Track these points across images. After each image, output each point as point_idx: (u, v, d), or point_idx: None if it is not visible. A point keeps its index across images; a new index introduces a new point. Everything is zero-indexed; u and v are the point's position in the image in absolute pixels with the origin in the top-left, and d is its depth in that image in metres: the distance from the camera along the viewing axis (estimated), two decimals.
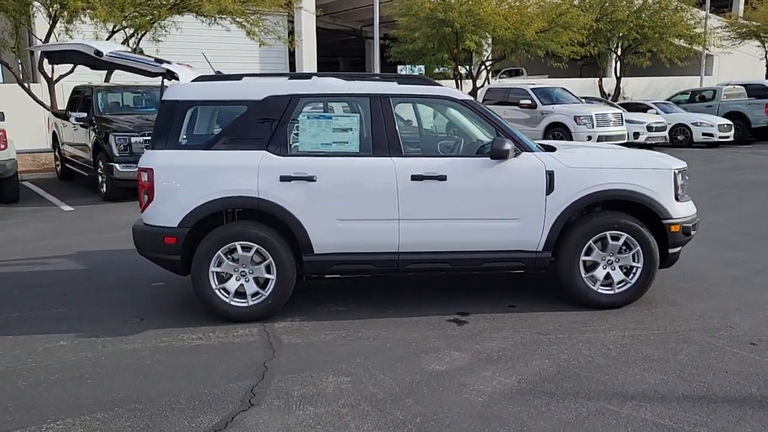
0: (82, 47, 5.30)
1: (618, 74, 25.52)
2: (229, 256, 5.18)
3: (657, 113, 20.23)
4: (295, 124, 5.26)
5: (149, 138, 11.06)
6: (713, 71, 31.48)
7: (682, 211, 5.42)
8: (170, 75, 5.40)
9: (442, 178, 5.17)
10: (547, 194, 5.23)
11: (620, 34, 23.09)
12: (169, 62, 5.52)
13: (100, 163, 11.51)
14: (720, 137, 19.36)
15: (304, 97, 5.27)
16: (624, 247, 5.35)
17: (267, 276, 5.21)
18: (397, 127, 5.26)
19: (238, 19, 16.05)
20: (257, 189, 5.09)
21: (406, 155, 5.25)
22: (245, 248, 5.16)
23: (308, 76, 5.58)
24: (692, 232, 5.46)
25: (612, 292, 5.40)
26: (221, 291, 5.21)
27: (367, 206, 5.19)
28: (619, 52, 25.14)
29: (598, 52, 24.08)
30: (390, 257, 5.27)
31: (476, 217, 5.25)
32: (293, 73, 6.06)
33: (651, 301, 5.48)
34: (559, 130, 16.40)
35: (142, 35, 15.36)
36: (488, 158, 5.24)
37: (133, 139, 11.06)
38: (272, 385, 4.15)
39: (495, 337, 4.87)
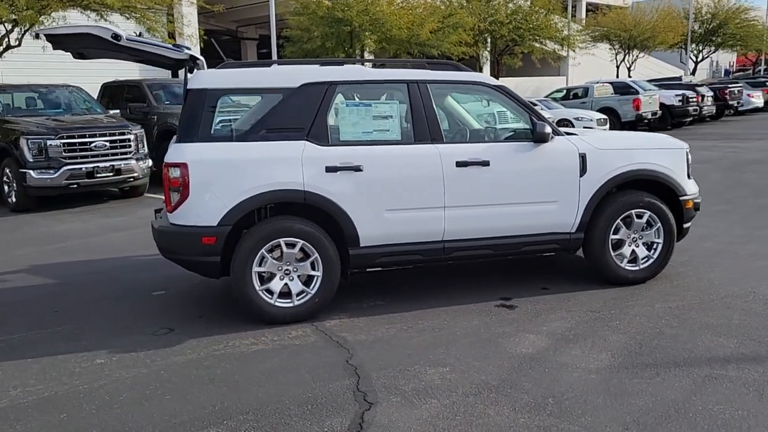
0: (97, 30, 4.70)
1: (497, 74, 26.70)
2: (271, 254, 4.86)
3: (542, 109, 21.37)
4: (335, 112, 5.03)
5: (69, 141, 10.31)
6: (568, 72, 33.85)
7: (693, 187, 5.77)
8: (194, 61, 4.95)
9: (486, 163, 5.16)
10: (581, 176, 5.37)
11: (498, 36, 24.15)
12: (188, 48, 5.07)
13: (7, 171, 10.37)
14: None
15: (342, 84, 5.05)
16: (646, 225, 5.60)
17: (312, 273, 4.94)
18: (437, 114, 5.18)
19: (135, 14, 15.07)
20: (303, 181, 4.81)
21: (447, 142, 5.18)
22: (289, 245, 4.87)
23: (340, 62, 5.35)
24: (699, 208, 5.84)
25: (637, 268, 5.64)
26: (264, 292, 4.87)
27: (414, 195, 5.06)
28: (496, 53, 26.31)
29: (480, 52, 25.05)
30: (436, 246, 5.18)
31: (517, 201, 5.29)
32: (323, 60, 5.77)
33: (668, 276, 5.78)
34: None
35: (26, 30, 14.00)
36: (526, 143, 5.30)
37: (49, 143, 10.07)
38: (375, 382, 3.95)
39: (554, 318, 4.92)
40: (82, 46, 5.11)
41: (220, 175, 4.76)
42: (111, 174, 10.57)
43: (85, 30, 4.80)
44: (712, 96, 25.52)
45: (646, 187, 5.61)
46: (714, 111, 25.72)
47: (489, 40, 24.34)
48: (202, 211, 4.75)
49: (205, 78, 4.91)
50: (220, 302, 5.54)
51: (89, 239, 8.18)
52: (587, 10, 41.74)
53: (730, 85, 28.00)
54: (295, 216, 4.93)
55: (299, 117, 4.93)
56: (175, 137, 5.86)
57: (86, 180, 10.36)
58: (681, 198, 5.65)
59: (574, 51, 27.86)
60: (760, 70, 43.05)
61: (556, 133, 5.37)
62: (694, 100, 23.97)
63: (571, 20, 30.86)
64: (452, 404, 3.65)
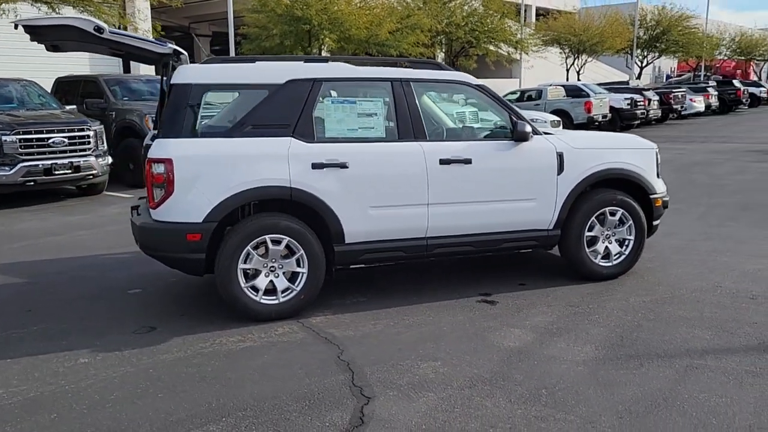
0: (80, 22, 4.57)
1: None
2: (257, 251, 4.84)
3: None
4: (320, 109, 5.04)
5: (25, 137, 9.99)
6: (521, 74, 34.47)
7: (661, 186, 5.98)
8: (177, 56, 4.88)
9: (468, 161, 5.24)
10: (558, 174, 5.50)
11: (455, 38, 24.42)
12: (171, 42, 5.00)
13: None
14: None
15: (326, 81, 5.06)
16: (619, 222, 5.78)
17: (298, 270, 4.94)
18: (420, 112, 5.24)
19: (89, 7, 14.71)
20: (289, 178, 4.81)
21: (430, 140, 5.24)
22: (275, 242, 4.86)
23: (324, 59, 5.35)
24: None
25: (610, 264, 5.81)
26: (249, 289, 4.85)
27: (398, 192, 5.11)
28: (452, 55, 26.59)
29: (435, 53, 25.26)
30: (419, 243, 5.24)
31: (497, 199, 5.39)
32: (307, 57, 5.74)
33: (638, 271, 5.97)
34: None
35: None
36: (506, 141, 5.41)
37: (4, 138, 9.75)
38: (369, 377, 3.98)
39: (536, 313, 5.04)
40: (62, 38, 4.98)
41: (206, 172, 4.71)
42: (69, 171, 10.29)
43: (68, 22, 4.67)
44: (657, 100, 26.35)
45: (618, 186, 5.78)
46: (659, 114, 26.57)
47: (444, 41, 24.55)
48: (187, 208, 4.69)
49: (190, 73, 4.85)
50: (201, 300, 5.48)
51: (52, 238, 7.96)
52: (537, 15, 42.54)
53: (674, 90, 28.93)
54: (279, 213, 4.92)
55: (285, 113, 4.92)
56: (151, 134, 5.82)
57: (44, 177, 10.06)
58: (651, 196, 5.85)
59: (527, 54, 28.36)
60: (700, 76, 44.60)
61: (535, 132, 5.50)
62: (642, 103, 24.73)
63: (523, 24, 31.44)
64: (449, 397, 3.71)
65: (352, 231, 5.00)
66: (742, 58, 50.03)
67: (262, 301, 4.89)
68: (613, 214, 5.73)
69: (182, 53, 4.89)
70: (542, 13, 39.33)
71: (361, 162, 4.98)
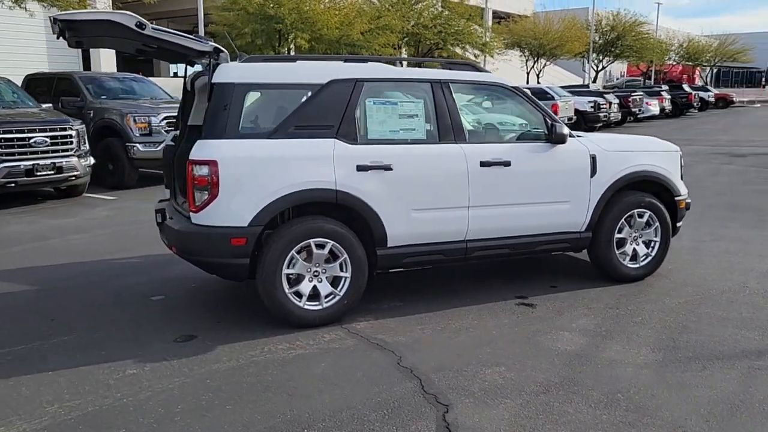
0: (121, 17, 4.33)
1: None
2: (300, 256, 4.71)
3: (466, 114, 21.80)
4: (362, 110, 4.93)
5: (5, 136, 9.52)
6: None
7: (684, 188, 6.07)
8: (217, 54, 4.70)
9: (507, 163, 5.21)
10: (591, 176, 5.52)
11: (423, 39, 24.51)
12: (210, 39, 4.81)
13: None
14: None
15: (368, 82, 4.95)
16: (646, 224, 5.83)
17: (341, 274, 4.82)
18: (460, 113, 5.19)
19: (57, 3, 14.19)
20: (335, 180, 4.69)
21: (469, 142, 5.19)
22: (319, 246, 4.73)
23: (363, 60, 5.24)
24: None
25: (638, 265, 5.86)
26: (293, 295, 4.71)
27: (440, 194, 5.05)
28: (419, 57, 26.66)
29: (400, 55, 25.28)
30: (459, 246, 5.18)
31: (534, 201, 5.37)
32: (347, 56, 5.60)
33: (661, 273, 6.03)
34: None
35: None
36: (542, 143, 5.40)
37: None
38: (438, 384, 3.89)
39: (578, 315, 5.04)
40: (97, 33, 4.74)
41: (251, 174, 4.55)
42: (52, 172, 9.87)
43: (108, 17, 4.44)
44: (618, 103, 26.94)
45: (645, 188, 5.83)
46: (619, 117, 27.16)
47: (413, 43, 24.61)
48: (232, 211, 4.53)
49: (232, 72, 4.68)
50: (232, 305, 5.31)
51: (46, 242, 7.61)
52: (495, 18, 43.06)
53: (633, 94, 29.64)
54: (321, 216, 4.79)
55: (328, 114, 4.80)
56: (172, 135, 5.62)
57: (25, 179, 9.62)
58: (676, 198, 5.93)
59: (492, 57, 28.66)
60: (650, 80, 45.85)
61: (569, 134, 5.50)
62: (604, 106, 25.23)
63: (487, 27, 31.78)
64: (527, 403, 3.66)
65: (394, 234, 4.91)
66: (690, 63, 51.66)
67: (306, 306, 4.76)
68: (641, 216, 5.78)
69: (222, 51, 4.70)
70: (502, 17, 39.80)
71: (404, 164, 4.89)
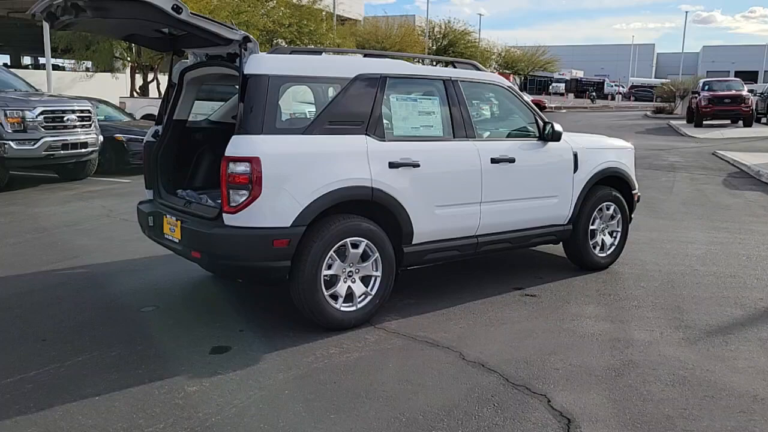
0: (158, 0, 3.83)
1: None
2: (338, 256, 4.57)
3: None
4: (387, 107, 4.87)
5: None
6: None
7: (636, 183, 6.65)
8: (245, 42, 4.38)
9: (512, 160, 5.41)
10: (574, 172, 5.89)
11: (282, 37, 24.17)
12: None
13: None
14: None
15: (391, 78, 4.90)
16: (610, 216, 6.33)
17: (373, 274, 4.74)
18: (469, 111, 5.29)
19: None
20: (371, 177, 4.60)
21: (478, 139, 5.32)
22: (354, 245, 4.62)
23: (381, 55, 5.13)
24: None
25: (605, 254, 6.33)
26: (330, 297, 4.56)
27: (459, 191, 5.12)
28: None
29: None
30: (471, 241, 5.29)
31: (532, 196, 5.62)
32: (361, 51, 5.35)
33: (622, 261, 6.57)
34: None
35: None
36: (536, 141, 5.67)
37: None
38: (518, 375, 3.97)
39: (581, 303, 5.34)
40: (125, 15, 4.20)
41: (294, 171, 4.33)
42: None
43: None
44: None
45: (610, 183, 6.31)
46: None
47: (274, 41, 24.16)
48: (274, 211, 4.27)
49: (266, 63, 4.40)
50: (241, 312, 5.00)
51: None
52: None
53: None
54: (353, 215, 4.66)
55: (358, 110, 4.68)
56: (153, 130, 5.19)
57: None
58: (633, 192, 6.48)
59: None
60: None
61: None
62: None
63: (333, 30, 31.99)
64: (613, 386, 3.83)
65: (420, 231, 4.91)
66: (507, 71, 55.69)
67: (342, 308, 4.61)
68: (608, 208, 6.26)
69: (252, 40, 4.39)
70: (342, 20, 40.22)
71: (430, 161, 4.91)
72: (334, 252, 4.51)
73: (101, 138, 11.70)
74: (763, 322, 4.96)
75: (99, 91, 17.51)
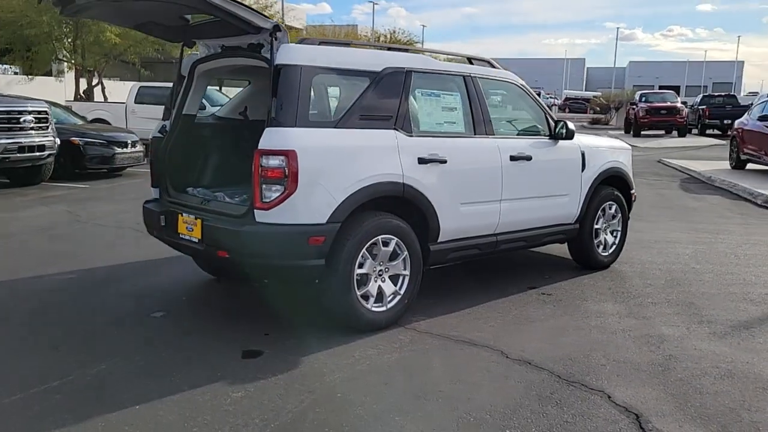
0: None
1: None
2: (369, 254, 4.41)
3: None
4: (413, 102, 4.76)
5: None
6: None
7: (633, 182, 6.73)
8: (275, 32, 4.17)
9: (529, 158, 5.37)
10: (582, 171, 5.91)
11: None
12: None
13: None
14: None
15: (415, 72, 4.78)
16: (612, 215, 6.38)
17: (401, 272, 4.60)
18: (488, 108, 5.23)
19: None
20: (402, 173, 4.47)
21: (496, 136, 5.26)
22: (385, 243, 4.47)
23: (402, 49, 4.99)
24: None
25: (607, 253, 6.37)
26: (361, 297, 4.39)
27: (482, 188, 5.05)
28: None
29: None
30: (491, 239, 5.21)
31: (546, 194, 5.59)
32: (388, 45, 5.14)
33: (621, 260, 6.63)
34: None
35: None
36: (548, 139, 5.65)
37: None
38: (569, 372, 3.88)
39: (597, 300, 5.33)
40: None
41: (330, 165, 4.15)
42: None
43: None
44: None
45: (612, 182, 6.36)
46: None
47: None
48: (310, 207, 4.08)
49: (298, 53, 4.20)
50: (267, 315, 4.76)
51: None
52: None
53: None
54: (383, 212, 4.51)
55: (387, 104, 4.54)
56: (160, 125, 4.95)
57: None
58: (632, 191, 6.56)
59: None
60: None
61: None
62: None
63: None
64: (669, 380, 3.79)
65: (445, 229, 4.80)
66: None
67: (374, 309, 4.45)
68: (610, 207, 6.30)
69: (282, 29, 4.19)
70: (289, 28, 39.86)
71: (456, 157, 4.80)
72: (365, 250, 4.35)
73: (58, 141, 11.10)
74: None
75: (39, 95, 16.70)
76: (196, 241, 4.45)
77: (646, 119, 28.43)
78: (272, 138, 4.02)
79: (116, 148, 12.43)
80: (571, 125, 5.59)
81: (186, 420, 3.22)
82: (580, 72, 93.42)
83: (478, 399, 3.52)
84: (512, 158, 5.21)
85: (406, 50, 4.95)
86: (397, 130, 4.54)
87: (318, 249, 4.12)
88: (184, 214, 4.56)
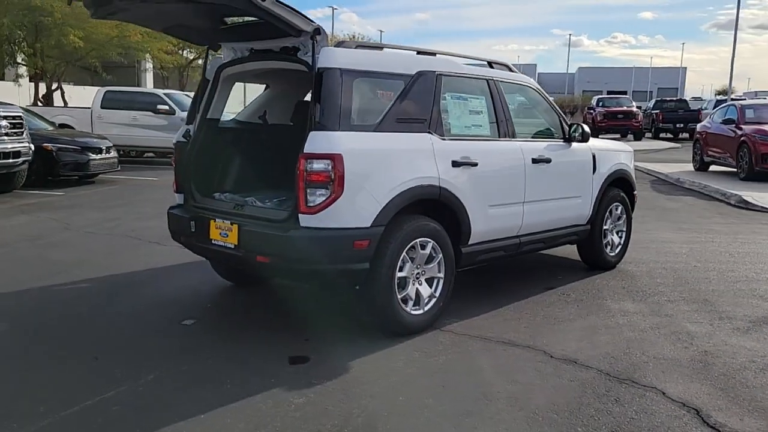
0: None
1: (183, 86, 25.63)
2: (409, 258, 4.41)
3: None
4: (445, 105, 4.78)
5: None
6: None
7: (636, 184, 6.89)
8: (316, 34, 4.13)
9: (548, 160, 5.45)
10: (593, 173, 6.02)
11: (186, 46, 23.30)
12: None
13: None
14: None
15: (445, 76, 4.81)
16: (618, 216, 6.52)
17: (437, 275, 4.62)
18: (510, 111, 5.29)
19: None
20: (438, 176, 4.49)
21: (518, 139, 5.32)
22: (422, 246, 4.48)
23: (431, 53, 4.98)
24: None
25: (614, 253, 6.50)
26: (401, 300, 4.39)
27: (508, 190, 5.10)
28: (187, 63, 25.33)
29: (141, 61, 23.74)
30: (514, 241, 5.26)
31: (563, 196, 5.68)
32: (417, 48, 5.07)
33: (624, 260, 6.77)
34: None
35: None
36: (564, 141, 5.74)
37: None
38: (618, 370, 3.94)
39: (615, 299, 5.43)
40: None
41: (373, 169, 4.14)
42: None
43: None
44: None
45: (618, 184, 6.49)
46: None
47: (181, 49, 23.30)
48: (355, 211, 4.06)
49: (338, 57, 4.18)
50: (300, 320, 4.71)
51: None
52: None
53: None
54: (418, 215, 4.52)
55: (421, 107, 4.56)
56: (184, 129, 4.88)
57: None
58: (634, 192, 6.71)
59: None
60: None
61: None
62: None
63: None
64: (720, 375, 3.91)
65: (476, 231, 4.83)
66: None
67: (412, 312, 4.45)
68: (617, 209, 6.43)
69: (321, 32, 4.15)
70: None
71: (486, 160, 4.84)
72: (405, 253, 4.35)
73: (33, 147, 10.76)
74: None
75: None
76: (232, 247, 4.37)
77: (604, 123, 29.11)
78: (318, 142, 3.99)
79: (90, 154, 12.11)
80: (586, 128, 5.69)
81: (257, 428, 3.16)
82: (532, 77, 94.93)
83: (538, 398, 3.55)
84: (534, 161, 5.28)
85: (434, 54, 4.95)
86: (431, 133, 4.55)
87: (363, 253, 4.10)
88: (216, 220, 4.48)
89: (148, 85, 28.78)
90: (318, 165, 3.96)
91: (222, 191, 4.97)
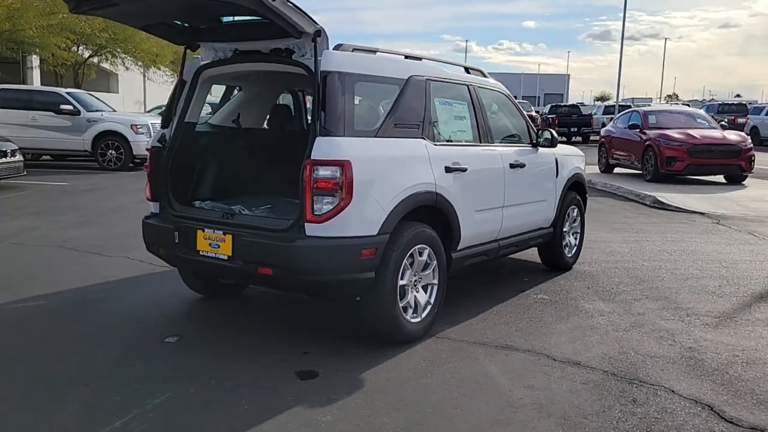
0: None
1: (79, 83, 24.24)
2: (409, 265, 4.35)
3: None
4: (434, 110, 4.74)
5: None
6: (119, 88, 33.06)
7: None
8: (317, 36, 3.96)
9: (523, 165, 5.54)
10: (556, 177, 6.18)
11: (96, 43, 22.14)
12: None
13: None
14: None
15: (432, 81, 4.78)
16: (574, 219, 6.73)
17: (432, 282, 4.58)
18: (489, 116, 5.33)
19: None
20: (434, 182, 4.45)
21: (496, 144, 5.37)
22: (420, 253, 4.44)
23: (416, 57, 4.91)
24: None
25: (571, 254, 6.71)
26: (401, 309, 4.33)
27: (491, 195, 5.13)
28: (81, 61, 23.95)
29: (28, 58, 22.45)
30: (494, 245, 5.31)
31: (533, 200, 5.80)
32: (404, 53, 4.87)
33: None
34: (113, 139, 15.20)
35: None
36: (532, 147, 5.85)
37: None
38: (622, 369, 4.04)
39: (588, 300, 5.58)
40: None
41: (378, 175, 4.04)
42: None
43: None
44: None
45: (573, 187, 6.69)
46: None
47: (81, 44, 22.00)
48: (363, 219, 3.95)
49: (339, 60, 4.04)
50: (291, 332, 4.53)
51: None
52: None
53: None
54: (415, 221, 4.46)
55: (415, 113, 4.50)
56: (159, 134, 4.62)
57: None
58: (586, 196, 6.95)
59: (158, 69, 27.20)
60: None
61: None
62: None
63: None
64: (715, 371, 4.07)
65: (464, 236, 4.83)
66: None
67: (412, 320, 4.39)
68: (573, 211, 6.64)
69: (322, 34, 3.98)
70: None
71: (473, 165, 4.85)
72: (405, 261, 4.28)
73: None
74: (742, 304, 5.56)
75: None
76: (225, 258, 4.14)
77: None
78: (325, 148, 3.84)
79: None
80: (555, 134, 5.82)
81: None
82: None
83: (560, 403, 3.58)
84: (512, 166, 5.34)
85: (420, 58, 4.90)
86: (425, 138, 4.50)
87: (369, 261, 3.99)
88: (205, 230, 4.23)
89: (35, 83, 27.00)
90: (325, 172, 3.82)
91: (202, 199, 4.71)
